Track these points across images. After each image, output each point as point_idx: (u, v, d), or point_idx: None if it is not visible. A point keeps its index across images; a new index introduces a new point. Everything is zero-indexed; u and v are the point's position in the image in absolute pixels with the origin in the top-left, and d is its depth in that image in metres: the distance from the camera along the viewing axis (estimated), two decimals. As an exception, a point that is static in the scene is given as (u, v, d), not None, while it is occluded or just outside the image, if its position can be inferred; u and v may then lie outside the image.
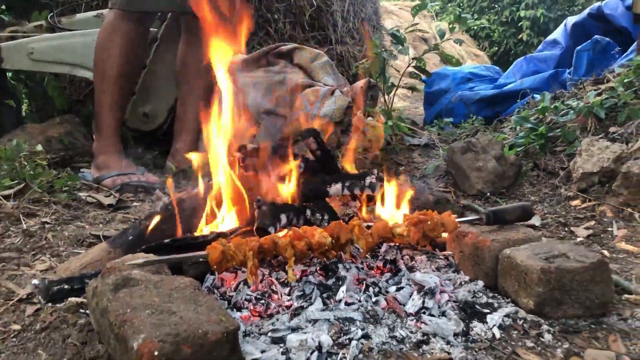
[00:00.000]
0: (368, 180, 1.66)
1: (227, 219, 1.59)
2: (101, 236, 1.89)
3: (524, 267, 1.40)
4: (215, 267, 1.29)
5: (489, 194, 2.39)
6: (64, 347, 1.22)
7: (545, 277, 1.35)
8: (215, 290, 1.37)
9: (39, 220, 2.07)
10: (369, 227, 1.65)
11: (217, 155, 1.60)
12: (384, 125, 3.15)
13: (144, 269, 1.24)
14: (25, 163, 2.46)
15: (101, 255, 1.53)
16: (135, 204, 2.48)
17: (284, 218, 1.53)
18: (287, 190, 1.60)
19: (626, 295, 1.49)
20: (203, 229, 1.57)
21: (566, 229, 2.01)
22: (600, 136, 2.47)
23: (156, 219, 1.54)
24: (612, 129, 2.50)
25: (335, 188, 1.65)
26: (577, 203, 2.17)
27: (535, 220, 2.07)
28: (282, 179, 1.60)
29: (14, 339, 1.27)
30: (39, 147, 2.67)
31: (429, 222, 1.53)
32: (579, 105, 2.63)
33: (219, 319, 1.05)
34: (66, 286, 1.28)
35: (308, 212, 1.58)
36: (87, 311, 1.30)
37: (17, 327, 1.32)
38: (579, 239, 1.92)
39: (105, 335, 1.13)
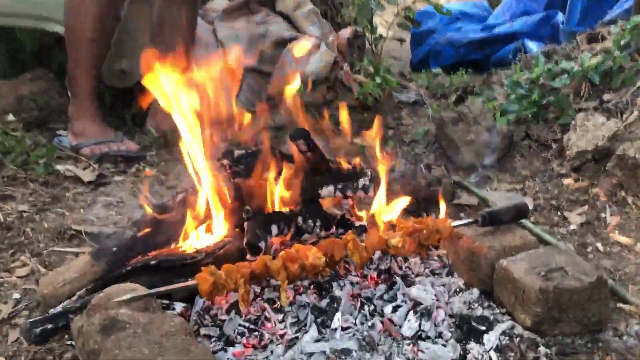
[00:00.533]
0: (361, 182, 1.60)
1: (213, 227, 1.53)
2: (83, 232, 1.81)
3: (522, 284, 1.37)
4: (206, 297, 1.25)
5: (480, 167, 2.34)
6: (53, 387, 1.18)
7: (543, 297, 1.33)
8: (206, 316, 1.33)
9: (17, 208, 1.98)
10: (363, 229, 1.61)
11: (199, 159, 1.52)
12: (372, 82, 3.03)
13: (131, 306, 1.19)
14: (-2, 136, 2.34)
15: (85, 270, 1.47)
16: (115, 177, 2.38)
17: (274, 229, 1.47)
18: (277, 196, 1.53)
19: (621, 304, 1.48)
20: (188, 239, 1.51)
21: (559, 213, 1.99)
22: (594, 104, 2.41)
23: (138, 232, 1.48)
24: (606, 96, 2.43)
25: (327, 190, 1.59)
26: (569, 182, 2.14)
27: (528, 203, 2.03)
28: (271, 183, 1.53)
29: (-1, 374, 1.24)
30: (11, 117, 2.54)
31: (424, 231, 1.48)
32: (573, 68, 2.53)
33: (213, 378, 1.02)
34: (50, 325, 1.23)
35: (299, 220, 1.52)
36: (73, 342, 1.25)
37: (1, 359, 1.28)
38: (572, 227, 1.89)
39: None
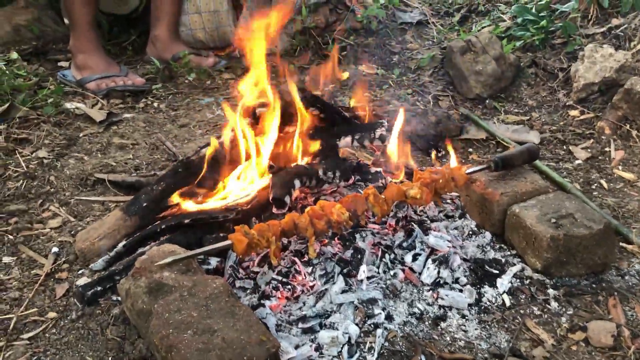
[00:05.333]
0: (378, 132, 1.64)
1: (239, 180, 1.59)
2: (107, 181, 1.87)
3: (534, 232, 1.46)
4: (240, 256, 1.33)
5: (487, 96, 2.37)
6: (105, 342, 1.29)
7: (554, 244, 1.43)
8: (240, 270, 1.42)
9: (36, 155, 2.02)
10: (380, 175, 1.68)
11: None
12: (376, 3, 3.00)
13: (173, 268, 1.27)
14: (5, 78, 2.33)
15: (118, 224, 1.54)
16: (125, 115, 2.41)
17: (297, 183, 1.53)
18: (298, 149, 1.58)
19: (624, 244, 1.58)
20: (217, 191, 1.58)
21: (564, 147, 2.05)
22: (602, 30, 2.41)
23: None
24: (614, 21, 2.43)
25: (345, 141, 1.64)
26: (575, 114, 2.18)
27: (534, 137, 2.10)
28: (291, 137, 1.58)
29: (54, 330, 1.33)
30: (15, 55, 2.51)
31: (440, 181, 1.55)
32: (583, -9, 2.51)
33: (259, 339, 1.12)
34: (99, 288, 1.31)
35: (320, 172, 1.58)
36: (119, 298, 1.34)
37: (53, 314, 1.37)
38: (577, 162, 1.97)
39: (148, 343, 1.20)
